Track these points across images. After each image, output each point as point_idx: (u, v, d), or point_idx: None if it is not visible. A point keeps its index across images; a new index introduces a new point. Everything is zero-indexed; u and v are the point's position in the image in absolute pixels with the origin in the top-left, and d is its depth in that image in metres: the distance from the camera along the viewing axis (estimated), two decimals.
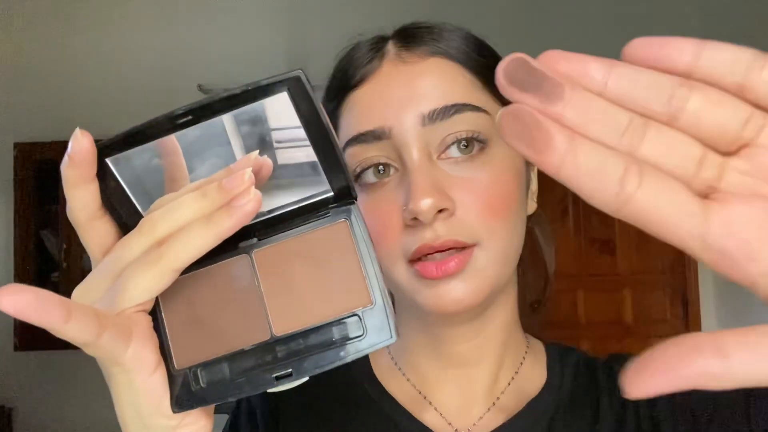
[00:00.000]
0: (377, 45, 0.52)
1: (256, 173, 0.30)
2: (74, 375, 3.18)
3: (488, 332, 0.53)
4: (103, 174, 0.31)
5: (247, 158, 0.31)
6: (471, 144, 0.47)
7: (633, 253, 3.19)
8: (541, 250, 0.60)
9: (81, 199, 0.31)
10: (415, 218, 0.45)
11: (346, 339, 0.33)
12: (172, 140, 0.31)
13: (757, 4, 2.76)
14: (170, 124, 0.30)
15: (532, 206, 0.56)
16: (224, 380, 0.32)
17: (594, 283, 3.18)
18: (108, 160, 0.31)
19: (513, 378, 0.55)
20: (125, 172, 0.32)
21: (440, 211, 0.45)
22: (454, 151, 0.47)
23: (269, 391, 0.33)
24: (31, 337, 3.22)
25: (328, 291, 0.33)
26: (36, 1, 3.36)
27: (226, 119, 0.31)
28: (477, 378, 0.54)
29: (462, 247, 0.46)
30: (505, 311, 0.54)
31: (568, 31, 3.19)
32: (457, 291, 0.46)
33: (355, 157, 0.49)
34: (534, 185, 0.56)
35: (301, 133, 0.32)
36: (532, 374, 0.56)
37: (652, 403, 0.52)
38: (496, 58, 0.53)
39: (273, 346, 0.33)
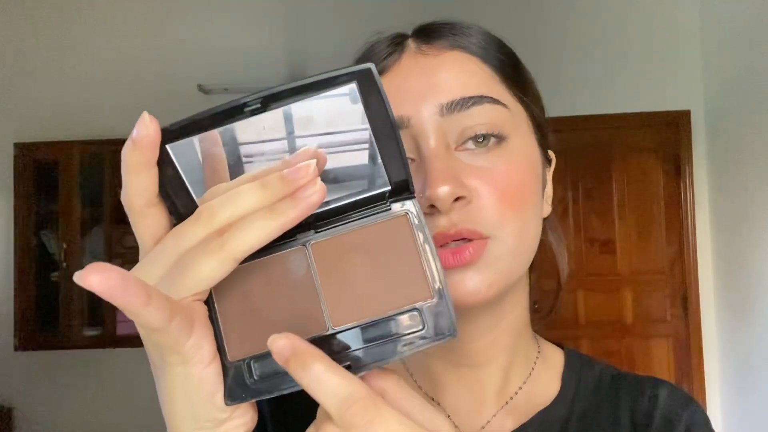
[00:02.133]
0: (397, 40, 0.52)
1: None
2: (74, 375, 3.18)
3: (499, 331, 0.52)
4: (162, 160, 0.31)
5: (305, 150, 0.30)
6: (488, 138, 0.47)
7: (633, 253, 3.19)
8: (554, 255, 0.59)
9: (139, 185, 0.31)
10: (432, 206, 0.45)
11: (405, 333, 0.32)
12: (223, 131, 0.31)
13: None
14: (237, 111, 0.30)
15: (546, 209, 0.56)
16: (278, 373, 0.32)
17: (594, 283, 3.18)
18: (168, 147, 0.31)
19: (525, 382, 0.55)
20: (183, 160, 0.31)
21: (457, 199, 0.45)
22: (470, 144, 0.47)
23: None
24: (31, 337, 3.22)
25: (386, 285, 0.33)
26: (36, 2, 3.36)
27: (289, 109, 0.31)
28: (486, 379, 0.53)
29: (476, 238, 0.46)
30: (516, 312, 0.53)
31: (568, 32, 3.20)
32: (472, 282, 0.45)
33: None
34: (549, 188, 0.56)
35: (365, 125, 0.31)
36: (544, 381, 0.56)
37: None
38: (513, 56, 0.53)
39: (329, 339, 0.32)
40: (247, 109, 0.30)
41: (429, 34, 0.51)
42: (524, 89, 0.52)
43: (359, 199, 0.34)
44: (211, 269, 0.29)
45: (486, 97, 0.48)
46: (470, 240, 0.45)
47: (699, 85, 3.16)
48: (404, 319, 0.32)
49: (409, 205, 0.34)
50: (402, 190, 0.34)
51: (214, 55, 3.27)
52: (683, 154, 3.16)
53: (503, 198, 0.46)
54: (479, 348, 0.52)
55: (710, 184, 3.14)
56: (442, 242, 0.45)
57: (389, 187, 0.34)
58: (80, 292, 3.09)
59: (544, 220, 0.56)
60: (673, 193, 3.18)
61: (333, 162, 0.32)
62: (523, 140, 0.50)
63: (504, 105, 0.48)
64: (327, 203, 0.33)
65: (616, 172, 3.20)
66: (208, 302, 0.32)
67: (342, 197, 0.34)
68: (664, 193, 3.19)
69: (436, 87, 0.47)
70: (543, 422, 0.52)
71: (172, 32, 3.34)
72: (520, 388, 0.55)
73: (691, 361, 3.13)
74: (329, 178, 0.33)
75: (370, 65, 0.30)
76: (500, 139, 0.48)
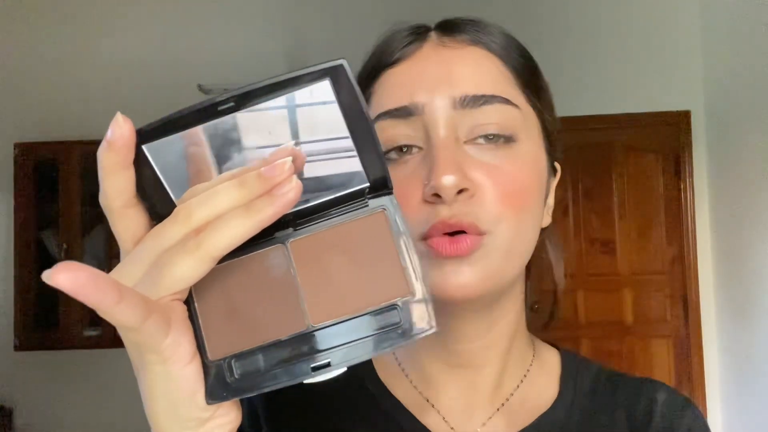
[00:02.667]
0: (419, 29, 0.52)
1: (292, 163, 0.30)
2: (74, 375, 3.18)
3: (494, 334, 0.52)
4: (139, 161, 0.31)
5: (283, 148, 0.30)
6: (497, 138, 0.48)
7: (633, 253, 3.19)
8: (550, 264, 0.59)
9: (117, 186, 0.31)
10: (436, 194, 0.45)
11: (384, 329, 0.32)
12: (202, 130, 0.31)
13: None
14: (211, 111, 0.30)
15: (546, 219, 0.56)
16: (259, 371, 0.32)
17: (594, 283, 3.18)
18: (145, 147, 0.31)
19: (519, 385, 0.55)
20: (160, 160, 0.31)
21: (461, 191, 0.45)
22: (480, 139, 0.48)
23: (305, 382, 0.32)
24: (31, 337, 3.22)
25: (365, 281, 0.33)
26: (36, 2, 3.36)
27: (263, 108, 0.31)
28: (481, 381, 0.53)
29: (473, 232, 0.46)
30: (511, 316, 0.53)
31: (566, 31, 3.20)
32: (463, 275, 0.46)
33: (382, 132, 0.48)
34: (551, 199, 0.56)
35: (341, 122, 0.31)
36: (541, 385, 0.56)
37: None
38: (532, 61, 0.53)
39: (310, 337, 0.32)
40: (220, 108, 0.30)
41: (452, 27, 0.51)
42: (539, 95, 0.52)
43: (338, 197, 0.34)
44: (189, 268, 0.29)
45: (498, 97, 0.48)
46: (466, 233, 0.45)
47: (699, 85, 3.16)
48: (383, 315, 0.33)
49: (386, 201, 0.34)
50: (381, 186, 0.34)
51: (214, 55, 3.27)
52: (683, 154, 3.16)
53: (505, 196, 0.46)
54: (474, 350, 0.52)
55: (710, 184, 3.14)
56: (441, 231, 0.45)
57: (368, 184, 0.34)
58: None
59: (544, 231, 0.56)
60: (673, 193, 3.18)
61: (312, 160, 0.32)
62: (532, 145, 0.50)
63: (516, 106, 0.49)
64: (306, 201, 0.33)
65: (616, 172, 3.20)
66: (188, 301, 0.32)
67: (321, 195, 0.34)
68: (664, 193, 3.19)
69: (452, 79, 0.48)
70: (542, 426, 0.52)
71: (172, 32, 3.35)
72: (516, 389, 0.55)
73: (691, 361, 3.13)
74: (308, 175, 0.33)
75: (342, 61, 0.30)
76: (509, 140, 0.48)
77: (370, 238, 0.34)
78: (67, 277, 0.24)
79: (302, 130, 0.32)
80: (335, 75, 0.30)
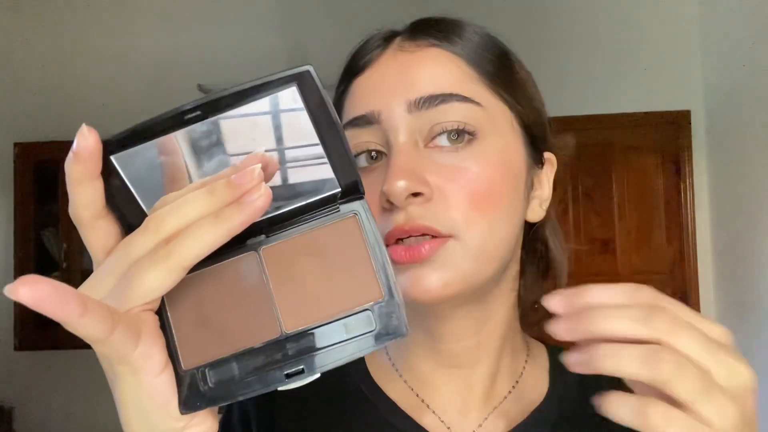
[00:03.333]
0: (387, 35, 0.52)
1: (263, 170, 0.30)
2: (74, 375, 3.18)
3: (484, 333, 0.52)
4: (108, 171, 0.31)
5: (253, 155, 0.30)
6: (461, 135, 0.47)
7: (633, 253, 3.19)
8: (553, 260, 0.59)
9: (85, 197, 0.30)
10: (389, 201, 0.45)
11: (357, 334, 0.32)
12: (172, 139, 0.31)
13: None
14: (178, 120, 0.30)
15: (538, 213, 0.55)
16: (233, 379, 0.32)
17: (594, 283, 3.17)
18: (113, 158, 0.31)
19: (515, 385, 0.55)
20: (130, 170, 0.31)
21: (415, 195, 0.45)
22: (443, 140, 0.47)
23: (279, 389, 0.32)
24: (31, 337, 3.22)
25: (338, 286, 0.33)
26: (36, 2, 3.36)
27: (231, 115, 0.31)
28: (474, 380, 0.53)
29: (435, 236, 0.45)
30: (502, 313, 0.53)
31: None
32: (427, 280, 0.45)
33: (350, 140, 0.48)
34: (544, 191, 0.55)
35: (309, 128, 0.31)
36: (533, 382, 0.56)
37: None
38: (502, 55, 0.52)
39: (283, 344, 0.32)
40: (186, 117, 0.30)
41: (415, 30, 0.51)
42: (510, 88, 0.51)
43: (310, 203, 0.34)
44: (158, 279, 0.29)
45: (456, 95, 0.47)
46: (430, 236, 0.45)
47: (699, 85, 3.16)
48: (356, 319, 0.33)
49: (358, 206, 0.34)
50: (352, 191, 0.34)
51: (214, 55, 3.27)
52: (683, 154, 3.16)
53: (470, 198, 0.46)
54: (465, 349, 0.52)
55: (710, 184, 3.14)
56: (397, 237, 0.45)
57: (339, 189, 0.34)
58: None
59: (544, 224, 0.56)
60: (673, 193, 3.18)
61: (283, 165, 0.32)
62: (500, 140, 0.49)
63: (477, 103, 0.48)
64: (278, 208, 0.33)
65: (616, 172, 3.20)
66: (161, 311, 0.32)
67: (293, 201, 0.34)
68: (664, 193, 3.19)
69: (408, 83, 0.48)
70: (535, 422, 0.52)
71: (172, 32, 3.34)
72: (513, 387, 0.55)
73: None
74: (280, 181, 0.33)
75: (308, 67, 0.30)
76: (472, 136, 0.47)
77: (343, 243, 0.34)
78: (28, 290, 0.24)
79: (272, 137, 0.32)
80: (302, 81, 0.30)
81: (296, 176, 0.33)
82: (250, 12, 3.33)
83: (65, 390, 3.20)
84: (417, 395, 0.54)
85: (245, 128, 0.31)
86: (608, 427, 0.53)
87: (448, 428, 0.52)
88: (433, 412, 0.53)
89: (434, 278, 0.45)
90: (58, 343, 3.21)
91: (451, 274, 0.46)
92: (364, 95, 0.50)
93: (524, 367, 0.56)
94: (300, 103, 0.30)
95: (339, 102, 0.53)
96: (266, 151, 0.31)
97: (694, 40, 3.18)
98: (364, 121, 0.49)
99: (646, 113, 3.16)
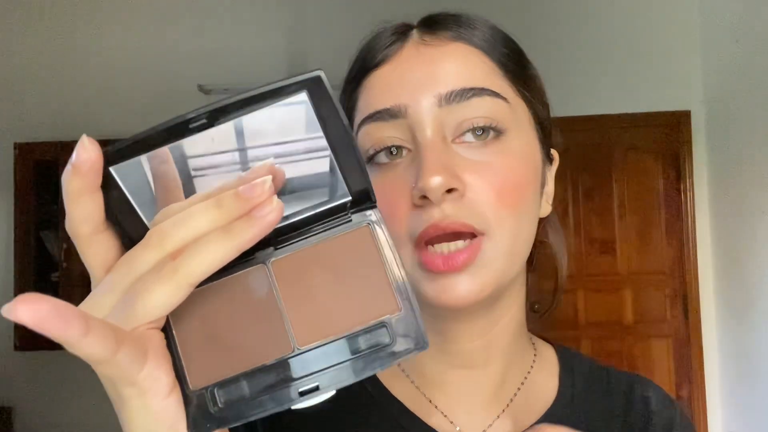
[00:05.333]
0: (401, 29, 0.51)
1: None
2: (74, 375, 3.18)
3: (495, 333, 0.51)
4: (106, 183, 0.29)
5: (261, 165, 0.29)
6: (487, 131, 0.47)
7: (633, 253, 3.19)
8: (554, 256, 0.58)
9: (84, 212, 0.29)
10: (424, 197, 0.44)
11: (373, 349, 0.31)
12: (176, 148, 0.29)
13: None
14: (183, 128, 0.28)
15: (546, 208, 0.55)
16: (244, 399, 0.30)
17: (594, 283, 3.18)
18: (112, 169, 0.29)
19: (522, 384, 0.54)
20: (130, 181, 0.30)
21: (450, 191, 0.44)
22: (469, 136, 0.47)
23: (293, 408, 0.31)
24: (31, 337, 3.21)
25: (352, 299, 0.32)
26: (36, 2, 3.36)
27: (238, 123, 0.29)
28: (483, 381, 0.52)
29: (470, 233, 0.45)
30: (513, 313, 0.53)
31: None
32: (462, 286, 0.45)
33: (369, 136, 0.48)
34: (550, 187, 0.55)
35: (320, 135, 0.30)
36: (542, 382, 0.55)
37: None
38: (518, 51, 0.52)
39: (296, 360, 0.31)
40: (192, 126, 0.28)
41: (433, 24, 0.50)
42: (527, 85, 0.51)
43: (320, 212, 0.33)
44: (165, 296, 0.27)
45: (486, 89, 0.47)
46: (461, 235, 0.45)
47: (699, 85, 3.16)
48: (372, 334, 0.31)
49: (371, 215, 0.33)
50: (363, 199, 0.33)
51: (214, 55, 3.27)
52: (683, 154, 3.16)
53: (499, 194, 0.45)
54: (475, 349, 0.52)
55: (710, 184, 3.13)
56: (434, 234, 0.45)
57: (350, 198, 0.33)
58: (81, 292, 3.09)
59: (545, 219, 0.56)
60: (673, 193, 3.18)
61: (291, 174, 0.31)
62: (523, 136, 0.49)
63: (504, 99, 0.48)
64: (286, 217, 0.32)
65: (616, 172, 3.20)
66: (166, 329, 0.31)
67: (302, 210, 0.32)
68: (664, 193, 3.19)
69: (436, 77, 0.47)
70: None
71: (172, 32, 3.34)
72: (519, 389, 0.54)
73: (691, 361, 3.12)
74: (288, 190, 0.31)
75: (319, 72, 0.28)
76: (499, 133, 0.47)
77: (356, 254, 0.32)
78: (27, 309, 0.23)
79: (282, 144, 0.31)
80: (312, 87, 0.28)
81: (307, 184, 0.32)
82: (250, 12, 3.33)
83: (65, 390, 3.20)
84: (424, 395, 0.53)
85: (255, 135, 0.30)
86: (616, 427, 0.54)
87: (458, 429, 0.52)
88: (441, 412, 0.52)
89: (470, 285, 0.45)
90: (59, 343, 3.22)
91: (486, 277, 0.45)
92: (387, 89, 0.48)
93: (532, 366, 0.56)
94: (310, 110, 0.29)
95: (351, 98, 0.52)
96: (275, 158, 0.30)
97: (694, 41, 3.18)
98: (387, 114, 0.47)
99: (646, 113, 3.16)
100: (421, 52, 0.49)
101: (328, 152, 0.31)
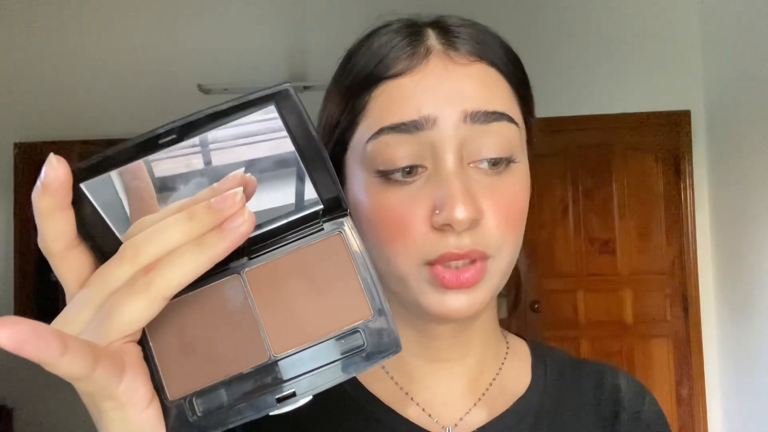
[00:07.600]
0: (415, 33, 0.50)
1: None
2: None
3: (472, 330, 0.54)
4: (78, 199, 0.29)
5: (232, 176, 0.29)
6: (501, 162, 0.47)
7: (633, 253, 3.19)
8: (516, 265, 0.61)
9: (56, 229, 0.29)
10: (447, 224, 0.44)
11: (348, 354, 0.32)
12: (140, 164, 0.30)
13: None
14: (152, 144, 0.29)
15: None
16: (222, 407, 0.31)
17: (594, 283, 3.18)
18: (83, 186, 0.29)
19: (496, 376, 0.56)
20: (101, 196, 0.30)
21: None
22: (484, 164, 0.47)
23: (271, 414, 0.31)
24: None
25: (325, 306, 0.33)
26: (36, 2, 3.36)
27: (207, 137, 0.30)
28: (460, 373, 0.55)
29: (480, 259, 0.46)
30: (487, 311, 0.55)
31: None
32: (462, 301, 0.46)
33: (386, 148, 0.47)
34: None
35: (289, 146, 0.31)
36: (515, 373, 0.57)
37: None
38: (524, 71, 0.53)
39: (273, 367, 0.32)
40: (161, 141, 0.29)
41: (452, 38, 0.50)
42: (529, 108, 0.53)
43: (292, 221, 0.33)
44: (140, 310, 0.28)
45: (506, 114, 0.48)
46: (473, 261, 0.46)
47: (699, 85, 3.16)
48: (347, 339, 0.32)
49: (342, 223, 0.34)
50: (335, 207, 0.34)
51: (214, 55, 3.27)
52: (683, 154, 3.16)
53: (507, 220, 0.47)
54: (453, 345, 0.54)
55: (710, 184, 3.14)
56: (449, 260, 0.46)
57: (321, 206, 0.33)
58: None
59: None
60: (673, 193, 3.18)
61: (262, 185, 0.31)
62: (524, 159, 0.51)
63: (517, 125, 0.49)
64: (260, 227, 0.33)
65: (616, 172, 3.20)
66: (143, 341, 0.31)
67: (275, 219, 0.33)
68: (664, 193, 3.19)
69: (464, 94, 0.47)
70: (518, 411, 0.54)
71: (172, 32, 3.34)
72: (494, 379, 0.56)
73: (691, 361, 3.13)
74: (260, 200, 0.32)
75: (287, 85, 0.29)
76: (509, 162, 0.48)
77: (328, 261, 0.33)
78: (8, 333, 0.23)
79: (250, 157, 0.31)
80: (280, 100, 0.29)
81: (276, 195, 0.33)
82: (250, 12, 3.33)
83: (65, 390, 3.19)
84: (402, 389, 0.54)
85: (223, 149, 0.31)
86: (588, 415, 0.55)
87: (436, 421, 0.53)
88: (417, 404, 0.54)
89: (471, 300, 0.46)
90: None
91: (484, 293, 0.47)
92: (410, 100, 0.47)
93: (505, 357, 0.58)
94: (279, 122, 0.30)
95: (355, 103, 0.50)
96: (245, 170, 0.30)
97: (694, 41, 3.18)
98: (413, 126, 0.46)
99: (646, 113, 3.17)
100: (448, 69, 0.48)
101: (299, 162, 0.32)
